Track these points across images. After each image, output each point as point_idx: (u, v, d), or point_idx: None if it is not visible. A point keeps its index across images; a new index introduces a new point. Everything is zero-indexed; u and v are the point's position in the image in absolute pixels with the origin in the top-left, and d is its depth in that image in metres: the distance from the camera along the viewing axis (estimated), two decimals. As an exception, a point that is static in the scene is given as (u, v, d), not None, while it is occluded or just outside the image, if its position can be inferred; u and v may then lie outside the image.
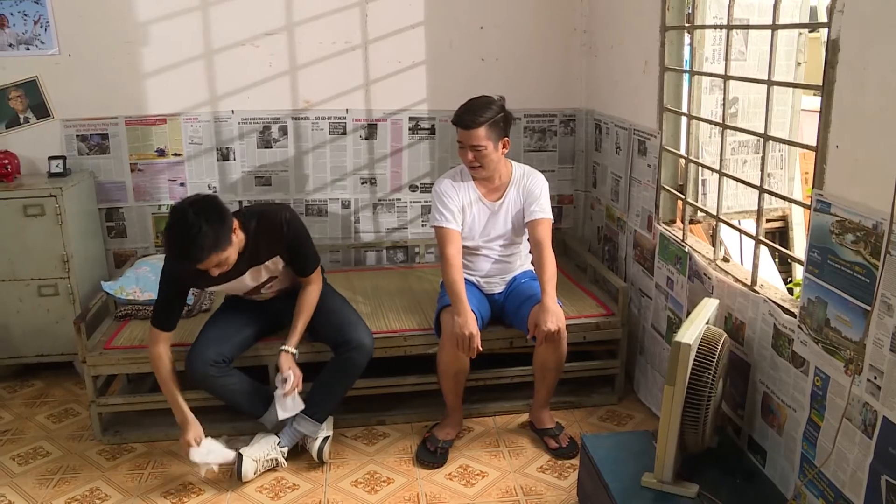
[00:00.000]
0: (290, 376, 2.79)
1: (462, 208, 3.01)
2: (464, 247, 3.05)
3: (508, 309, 3.09)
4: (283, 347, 2.85)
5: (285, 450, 2.85)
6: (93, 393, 3.01)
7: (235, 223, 2.63)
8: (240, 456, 2.76)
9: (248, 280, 2.83)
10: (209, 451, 2.75)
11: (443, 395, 3.00)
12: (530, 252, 3.10)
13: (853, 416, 1.93)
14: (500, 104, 2.92)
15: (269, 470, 2.84)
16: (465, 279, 3.07)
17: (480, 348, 2.80)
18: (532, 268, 3.12)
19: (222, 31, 3.69)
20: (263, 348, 3.00)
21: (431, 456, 2.92)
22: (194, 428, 2.78)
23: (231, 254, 2.60)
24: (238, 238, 2.65)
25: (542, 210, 3.02)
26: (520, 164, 3.12)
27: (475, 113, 2.85)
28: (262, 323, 3.01)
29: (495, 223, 3.05)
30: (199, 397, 3.01)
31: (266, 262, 2.81)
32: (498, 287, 3.14)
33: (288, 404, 2.80)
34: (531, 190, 3.03)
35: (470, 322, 2.78)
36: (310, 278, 2.93)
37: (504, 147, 2.96)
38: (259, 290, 2.90)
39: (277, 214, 2.80)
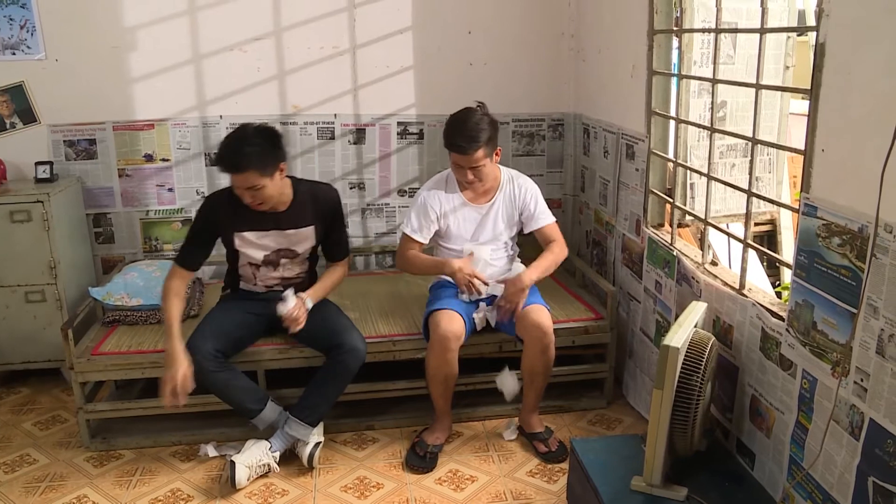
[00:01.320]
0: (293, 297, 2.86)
1: (444, 215, 3.02)
2: (452, 251, 3.06)
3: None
4: (300, 294, 2.89)
5: (277, 454, 2.84)
6: (80, 400, 2.99)
7: (284, 169, 2.76)
8: (232, 464, 2.74)
9: (272, 241, 2.89)
10: None
11: (432, 399, 2.99)
12: (517, 257, 3.10)
13: (840, 418, 1.93)
14: (488, 117, 2.89)
15: (260, 476, 2.83)
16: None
17: (482, 286, 2.89)
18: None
19: (210, 36, 3.68)
20: (256, 353, 3.00)
21: (421, 461, 2.91)
22: (181, 364, 2.65)
23: (269, 189, 2.70)
24: (282, 182, 2.77)
25: (545, 216, 3.07)
26: (507, 169, 3.12)
27: (470, 138, 2.82)
28: (255, 327, 3.00)
29: (484, 227, 3.05)
30: (189, 402, 3.00)
31: (302, 228, 2.90)
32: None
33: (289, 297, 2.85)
34: (525, 201, 3.04)
35: (463, 262, 2.93)
36: (337, 263, 3.08)
37: (497, 155, 2.97)
38: (276, 263, 2.94)
39: (332, 190, 3.01)
